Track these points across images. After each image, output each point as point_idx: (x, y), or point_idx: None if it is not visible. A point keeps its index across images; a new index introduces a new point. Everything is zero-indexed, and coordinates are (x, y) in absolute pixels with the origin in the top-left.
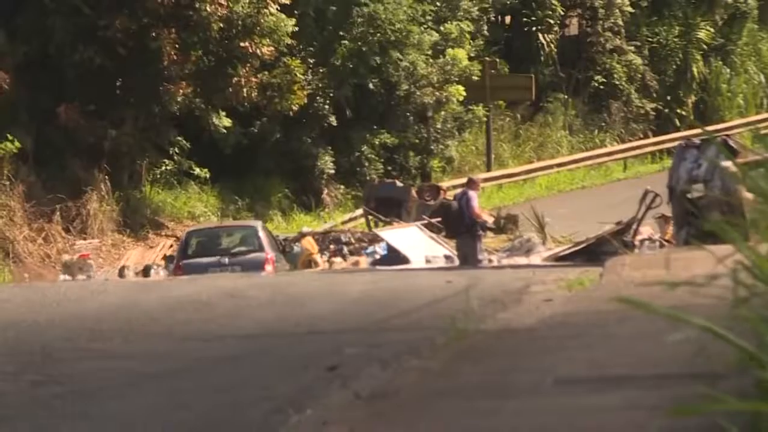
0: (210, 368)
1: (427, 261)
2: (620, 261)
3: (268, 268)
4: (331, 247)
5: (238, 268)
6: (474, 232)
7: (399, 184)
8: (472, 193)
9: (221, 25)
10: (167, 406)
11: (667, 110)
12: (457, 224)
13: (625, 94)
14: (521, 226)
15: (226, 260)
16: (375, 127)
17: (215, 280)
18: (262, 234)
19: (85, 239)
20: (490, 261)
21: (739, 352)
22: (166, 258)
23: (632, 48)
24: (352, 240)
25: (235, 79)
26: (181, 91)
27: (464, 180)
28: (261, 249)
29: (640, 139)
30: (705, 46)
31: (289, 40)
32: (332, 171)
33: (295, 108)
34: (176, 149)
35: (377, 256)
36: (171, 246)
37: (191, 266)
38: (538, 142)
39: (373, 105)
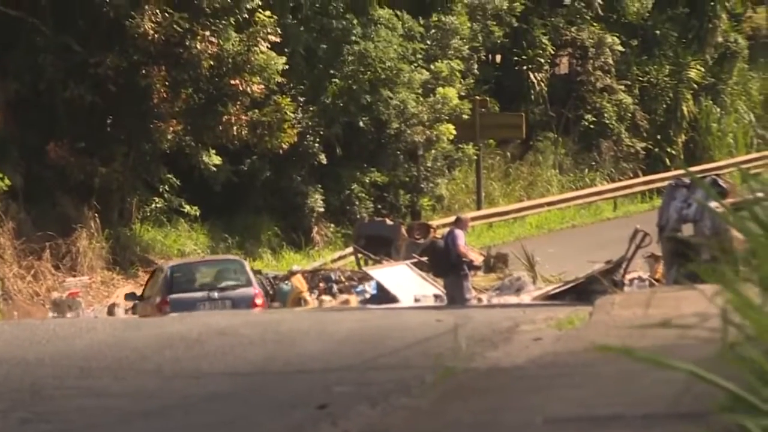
0: (200, 406)
1: (417, 300)
2: (610, 300)
3: (258, 301)
4: (321, 285)
5: (228, 302)
6: (459, 271)
7: (389, 222)
8: (458, 232)
9: (211, 62)
10: None
11: (657, 149)
12: (444, 263)
13: (615, 133)
14: (511, 264)
15: (216, 295)
16: (365, 165)
17: (205, 317)
18: (248, 268)
19: (74, 276)
20: (479, 300)
21: (726, 393)
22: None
23: (622, 87)
24: (342, 278)
25: (225, 117)
26: (171, 128)
27: (454, 218)
28: (249, 284)
29: (630, 178)
30: (695, 86)
31: (279, 78)
32: (322, 209)
33: (285, 146)
34: (166, 187)
35: (367, 295)
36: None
37: (179, 302)
38: (528, 180)
39: (363, 143)
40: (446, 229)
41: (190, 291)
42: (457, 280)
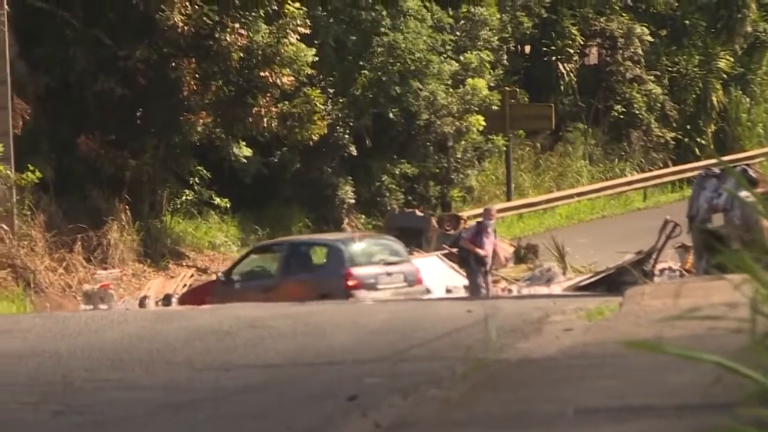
0: (230, 398)
1: (448, 291)
2: (640, 290)
3: (421, 277)
4: None
5: (401, 276)
6: (467, 265)
7: (419, 213)
8: (470, 225)
9: (241, 54)
10: None
11: (686, 139)
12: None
13: (645, 124)
14: (541, 255)
15: (391, 269)
16: (395, 156)
17: (235, 309)
18: (402, 247)
19: (105, 269)
20: (509, 291)
21: (755, 384)
22: (186, 287)
23: (652, 77)
24: None
25: (255, 109)
26: (201, 120)
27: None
28: (409, 261)
29: (660, 168)
30: (725, 76)
31: (309, 70)
32: (353, 200)
33: (315, 138)
34: (196, 179)
35: None
36: (192, 275)
37: (362, 276)
38: (558, 171)
39: (393, 135)
40: (476, 220)
41: (368, 265)
42: (468, 271)
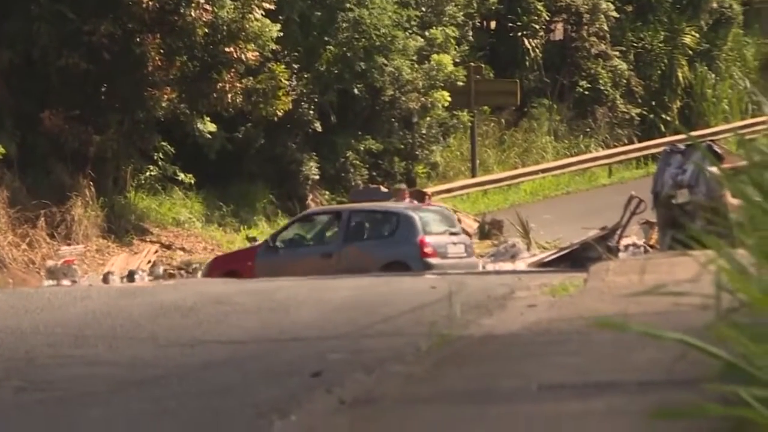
0: (194, 374)
1: None
2: (604, 266)
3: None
4: None
5: (462, 246)
6: None
7: (384, 189)
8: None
9: (206, 30)
10: (151, 413)
11: (652, 115)
12: None
13: (610, 100)
14: (506, 231)
15: (455, 239)
16: (360, 132)
17: (199, 285)
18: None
19: (69, 245)
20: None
21: (720, 361)
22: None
23: (617, 53)
24: None
25: (220, 84)
26: (165, 96)
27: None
28: (462, 231)
29: (625, 144)
30: (690, 52)
31: (273, 46)
32: (317, 177)
33: (279, 113)
34: (161, 155)
35: None
36: (156, 251)
37: (433, 243)
38: (522, 147)
39: (357, 110)
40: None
41: (435, 234)
42: None
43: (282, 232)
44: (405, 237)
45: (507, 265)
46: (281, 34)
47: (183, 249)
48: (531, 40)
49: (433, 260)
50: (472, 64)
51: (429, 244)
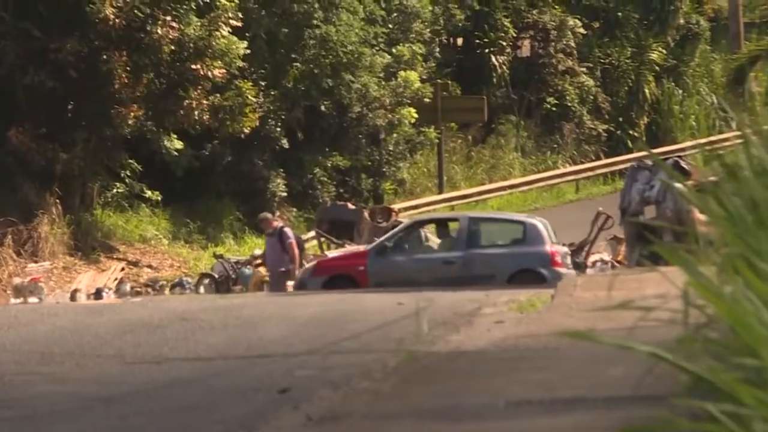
0: (161, 391)
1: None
2: (572, 282)
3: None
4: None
5: (568, 258)
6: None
7: (351, 206)
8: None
9: (172, 47)
10: (119, 430)
11: (619, 132)
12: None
13: (577, 116)
14: None
15: (565, 251)
16: (327, 149)
17: (164, 302)
18: None
19: (36, 262)
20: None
21: (688, 376)
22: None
23: (584, 69)
24: (305, 263)
25: (187, 101)
26: (132, 113)
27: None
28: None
29: (592, 160)
30: (657, 68)
31: (240, 63)
32: (284, 193)
33: (246, 130)
34: (127, 172)
35: None
36: (122, 269)
37: (560, 254)
38: (490, 163)
39: (325, 127)
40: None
41: (555, 245)
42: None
43: (392, 237)
44: (534, 246)
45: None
46: (248, 51)
47: (150, 266)
48: (498, 56)
49: (561, 269)
50: (439, 80)
51: (558, 252)
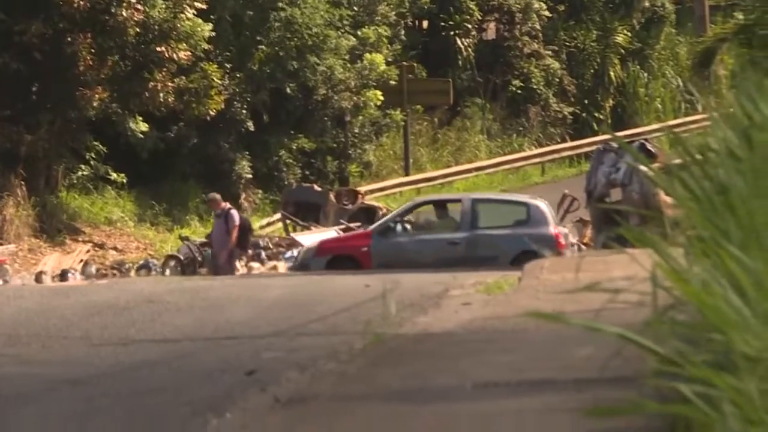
0: (128, 373)
1: None
2: (539, 264)
3: None
4: (249, 251)
5: (569, 238)
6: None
7: (317, 188)
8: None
9: (137, 29)
10: (85, 412)
11: (584, 114)
12: None
13: (543, 99)
14: None
15: (566, 231)
16: (292, 131)
17: (130, 284)
18: None
19: (1, 244)
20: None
21: (656, 357)
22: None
23: (550, 52)
24: (270, 245)
25: (152, 83)
26: (97, 95)
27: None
28: None
29: (558, 143)
30: (623, 51)
31: (206, 45)
32: (250, 176)
33: (212, 113)
34: (92, 154)
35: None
36: (88, 251)
37: (564, 235)
38: (456, 146)
39: (290, 110)
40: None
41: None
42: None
43: (394, 218)
44: (537, 227)
45: None
46: (213, 33)
47: (115, 248)
48: (463, 39)
49: (565, 251)
50: (404, 63)
51: (561, 234)
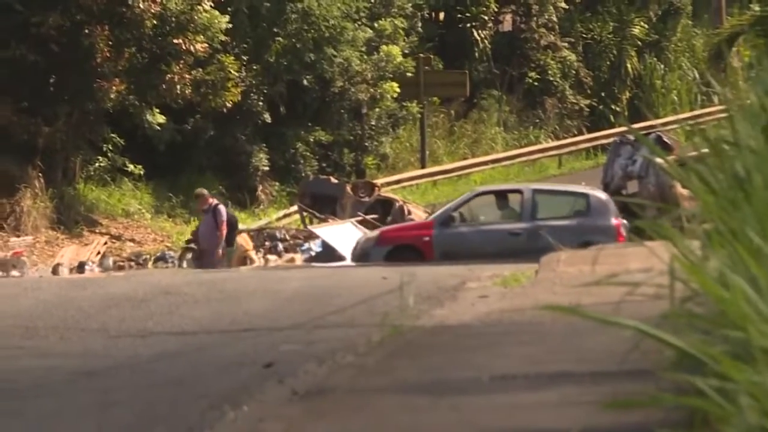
0: (145, 365)
1: None
2: (555, 257)
3: None
4: (266, 244)
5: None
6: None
7: (333, 180)
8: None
9: (155, 21)
10: (103, 404)
11: (601, 106)
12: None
13: (560, 91)
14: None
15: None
16: (309, 123)
17: (148, 276)
18: None
19: (18, 236)
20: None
21: (674, 351)
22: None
23: (566, 44)
24: (287, 237)
25: (169, 76)
26: (114, 87)
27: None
28: None
29: (575, 135)
30: (639, 42)
31: (222, 37)
32: (267, 168)
33: (228, 105)
34: (110, 146)
35: (312, 253)
36: (105, 243)
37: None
38: (472, 138)
39: (307, 102)
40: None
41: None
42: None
43: (453, 209)
44: (599, 218)
45: None
46: (230, 25)
47: (133, 240)
48: (480, 31)
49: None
50: (421, 55)
51: (622, 225)
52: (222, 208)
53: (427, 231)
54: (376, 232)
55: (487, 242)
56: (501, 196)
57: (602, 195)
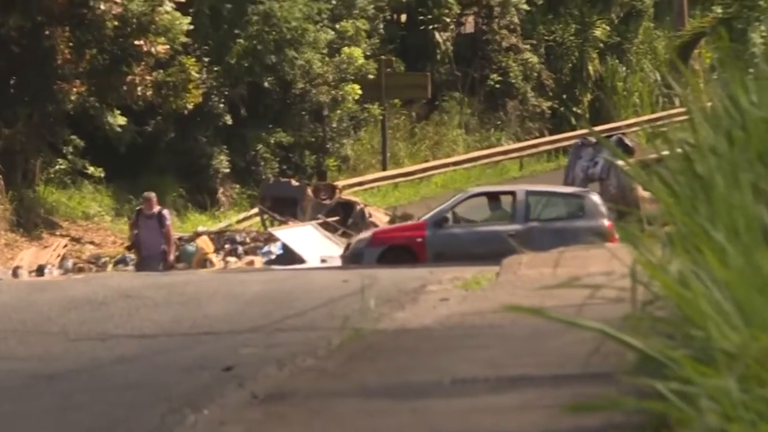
0: (106, 369)
1: (323, 260)
2: (517, 260)
3: None
4: (226, 246)
5: None
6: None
7: (294, 183)
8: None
9: (116, 23)
10: (62, 407)
11: (563, 109)
12: None
13: (521, 93)
14: None
15: None
16: (270, 125)
17: (108, 279)
18: None
19: None
20: None
21: (636, 354)
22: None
23: (528, 46)
24: (248, 239)
25: (130, 77)
26: (75, 89)
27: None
28: None
29: (536, 137)
30: (601, 45)
31: (184, 39)
32: (227, 170)
33: (189, 107)
34: (70, 148)
35: (272, 256)
36: (65, 245)
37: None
38: (433, 140)
39: (268, 104)
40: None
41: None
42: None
43: (446, 210)
44: (592, 219)
45: None
46: (191, 27)
47: (93, 243)
48: (442, 33)
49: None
50: (382, 57)
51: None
52: (167, 212)
53: (420, 232)
54: (369, 233)
55: (480, 243)
56: (492, 197)
57: (595, 197)
